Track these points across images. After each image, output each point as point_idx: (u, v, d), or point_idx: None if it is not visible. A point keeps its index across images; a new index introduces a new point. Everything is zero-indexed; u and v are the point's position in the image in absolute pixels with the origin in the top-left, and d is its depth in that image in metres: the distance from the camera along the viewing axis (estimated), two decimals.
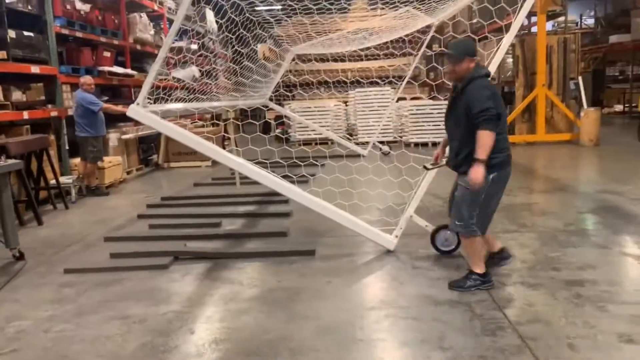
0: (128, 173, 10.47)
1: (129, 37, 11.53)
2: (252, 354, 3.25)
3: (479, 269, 4.05)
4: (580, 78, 13.16)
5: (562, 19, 15.67)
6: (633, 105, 18.65)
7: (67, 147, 8.84)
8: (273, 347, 3.30)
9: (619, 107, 21.24)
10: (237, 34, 6.71)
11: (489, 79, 3.93)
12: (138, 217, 6.94)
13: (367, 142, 11.72)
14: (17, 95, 7.77)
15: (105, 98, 10.20)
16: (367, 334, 3.43)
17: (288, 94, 13.65)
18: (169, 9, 14.33)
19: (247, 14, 6.69)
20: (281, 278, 4.52)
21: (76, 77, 8.88)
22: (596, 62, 21.93)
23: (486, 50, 7.78)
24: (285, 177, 5.12)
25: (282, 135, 15.11)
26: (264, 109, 10.53)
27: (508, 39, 4.81)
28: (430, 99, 14.47)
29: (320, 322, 3.64)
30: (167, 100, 5.97)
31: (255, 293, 4.22)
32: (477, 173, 3.68)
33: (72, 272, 4.88)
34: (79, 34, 9.34)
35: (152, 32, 12.63)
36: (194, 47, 12.78)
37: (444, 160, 4.42)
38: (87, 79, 8.42)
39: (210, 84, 9.16)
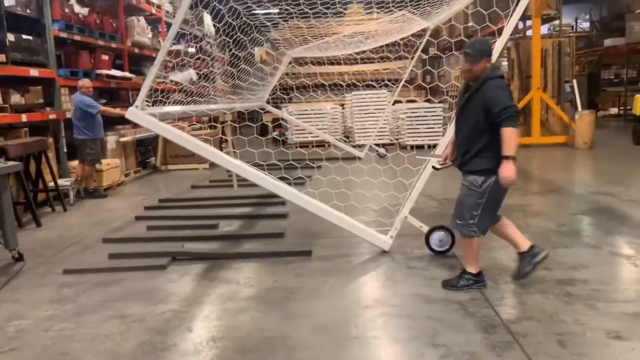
0: (126, 175, 10.53)
1: (126, 40, 11.60)
2: (249, 352, 3.31)
3: (473, 268, 4.11)
4: (575, 81, 13.27)
5: (557, 22, 15.78)
6: (628, 108, 18.76)
7: (65, 150, 8.90)
8: (270, 345, 3.37)
9: (614, 110, 21.37)
10: (235, 37, 6.79)
11: (503, 80, 3.97)
12: (136, 219, 7.00)
13: (364, 145, 11.80)
14: (15, 98, 7.83)
15: (103, 101, 10.27)
16: (361, 332, 3.50)
17: (285, 96, 13.73)
18: (167, 12, 14.42)
19: (244, 18, 6.76)
20: (278, 278, 4.59)
21: (74, 80, 8.94)
22: (591, 65, 22.06)
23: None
24: (282, 178, 5.18)
25: (279, 138, 15.19)
26: (261, 111, 10.61)
27: (501, 42, 4.90)
28: (425, 101, 14.57)
29: (316, 320, 3.71)
30: (165, 103, 6.04)
31: (252, 293, 4.29)
32: (509, 171, 3.70)
33: (71, 272, 4.94)
34: (77, 37, 9.41)
35: (149, 35, 12.69)
36: (192, 50, 12.87)
37: (452, 161, 4.41)
38: (85, 82, 8.49)
39: (208, 86, 9.23)
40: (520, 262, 4.13)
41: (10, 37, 7.66)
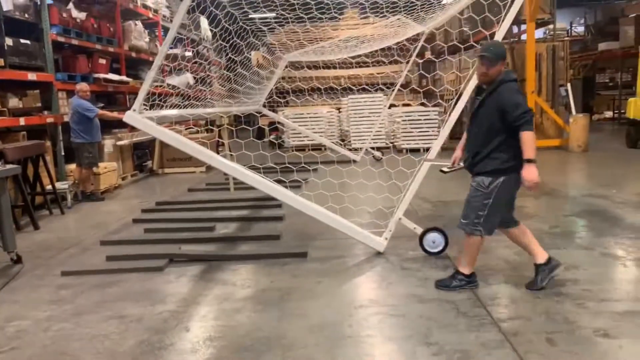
0: (123, 179, 10.58)
1: (124, 44, 11.67)
2: (246, 351, 3.37)
3: (467, 269, 4.16)
4: (569, 85, 13.39)
5: (552, 26, 15.91)
6: (622, 111, 18.91)
7: (62, 153, 8.96)
8: (266, 344, 3.43)
9: (608, 114, 21.53)
10: (231, 42, 6.86)
11: (517, 83, 4.01)
12: (133, 221, 7.05)
13: (360, 148, 11.89)
14: (13, 102, 7.89)
15: (101, 105, 10.33)
16: (355, 331, 3.56)
17: (281, 100, 13.81)
18: (164, 16, 14.49)
19: (240, 23, 6.84)
20: (274, 279, 4.65)
21: (72, 84, 9.01)
22: (586, 69, 22.22)
23: (471, 58, 7.95)
24: (278, 181, 5.25)
25: (275, 141, 15.26)
26: (258, 115, 10.68)
27: None
28: (419, 105, 14.68)
29: (311, 320, 3.77)
30: (163, 106, 6.10)
31: (249, 293, 4.35)
32: (532, 173, 3.74)
33: (69, 274, 4.99)
34: (74, 42, 9.48)
35: (147, 39, 12.77)
36: (189, 54, 12.94)
37: (462, 164, 4.42)
38: (82, 86, 8.55)
39: (205, 90, 9.31)
40: (536, 275, 4.12)
41: (9, 41, 7.73)
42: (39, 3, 8.55)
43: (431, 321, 3.63)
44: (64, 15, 9.26)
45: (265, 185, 5.01)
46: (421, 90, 10.97)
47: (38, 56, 8.45)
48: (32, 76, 8.11)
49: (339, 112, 15.04)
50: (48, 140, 8.57)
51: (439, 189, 8.25)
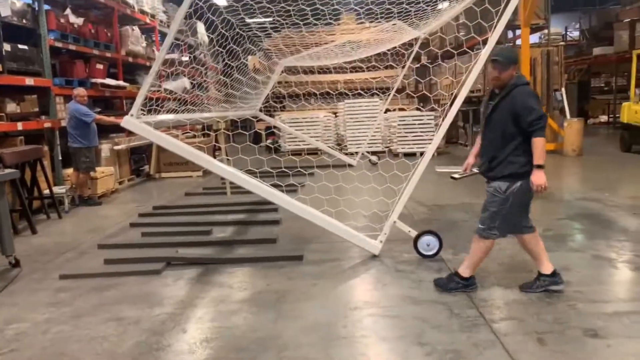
0: (120, 183, 10.62)
1: (121, 49, 11.73)
2: (242, 351, 3.43)
3: (467, 273, 4.17)
4: (563, 89, 13.50)
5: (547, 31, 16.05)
6: (617, 115, 19.04)
7: (60, 158, 9.01)
8: (261, 344, 3.49)
9: (604, 118, 21.68)
10: (228, 48, 6.94)
11: (530, 86, 4.04)
12: (130, 225, 7.10)
13: (356, 152, 11.97)
14: (11, 107, 7.95)
15: (98, 109, 10.39)
16: (350, 331, 3.63)
17: (277, 105, 13.89)
18: (161, 21, 14.56)
19: (237, 29, 6.91)
20: (270, 281, 4.71)
21: (69, 89, 9.06)
22: (581, 73, 22.37)
23: (464, 64, 8.05)
24: (274, 186, 5.31)
25: (271, 146, 15.33)
26: (254, 119, 10.75)
27: (486, 53, 5.05)
28: (415, 109, 14.78)
29: (307, 321, 3.83)
30: (160, 111, 6.16)
31: (245, 295, 4.41)
32: (540, 178, 3.81)
33: (67, 277, 5.04)
34: (72, 47, 9.54)
35: (144, 44, 12.84)
36: (185, 58, 13.01)
37: (475, 169, 4.45)
38: (80, 91, 8.60)
39: (202, 95, 9.37)
40: (536, 280, 4.16)
41: (7, 46, 7.79)
42: (36, 9, 8.62)
43: (424, 322, 3.70)
44: (62, 20, 9.32)
45: (262, 189, 5.07)
46: (415, 96, 11.05)
47: (36, 61, 8.51)
48: (29, 81, 8.16)
49: (336, 116, 15.13)
50: (45, 145, 8.62)
51: (435, 192, 8.33)
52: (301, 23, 6.78)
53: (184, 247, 5.90)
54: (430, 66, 10.85)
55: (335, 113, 15.31)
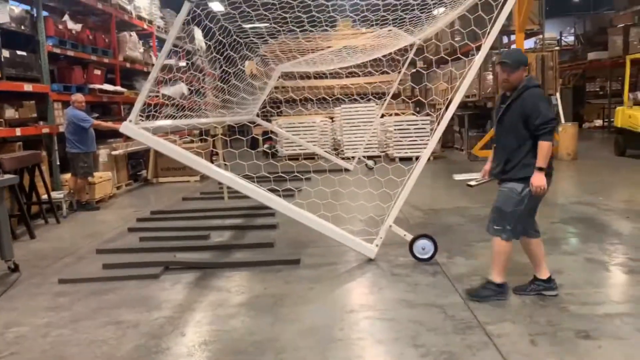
0: (118, 188, 10.67)
1: (119, 55, 11.80)
2: (240, 354, 3.48)
3: (499, 278, 4.11)
4: (557, 94, 13.60)
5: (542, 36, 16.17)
6: (612, 120, 19.17)
7: (58, 163, 9.05)
8: (259, 347, 3.54)
9: (598, 122, 21.81)
10: (225, 55, 7.00)
11: (541, 89, 4.07)
12: (128, 230, 7.15)
13: (353, 157, 12.04)
14: (10, 113, 7.99)
15: (96, 115, 10.43)
16: (346, 334, 3.68)
17: (274, 110, 13.96)
18: (158, 27, 14.64)
19: (234, 36, 6.98)
20: (267, 285, 4.76)
21: (67, 94, 9.11)
22: (576, 78, 22.52)
23: (458, 69, 8.13)
24: (271, 190, 5.37)
25: (269, 151, 15.41)
26: (251, 125, 10.81)
27: (480, 58, 5.14)
28: (410, 114, 14.87)
29: (304, 324, 3.89)
30: (158, 117, 6.22)
31: (243, 299, 4.46)
32: (541, 180, 3.84)
33: (66, 282, 5.08)
34: (70, 53, 9.60)
35: (141, 50, 12.91)
36: (183, 64, 13.08)
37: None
38: (78, 97, 8.65)
39: (199, 101, 9.43)
40: (530, 283, 4.20)
41: (5, 53, 7.85)
42: (35, 15, 8.68)
43: (419, 324, 3.75)
44: (60, 27, 9.39)
45: (259, 194, 5.13)
46: (410, 102, 11.15)
47: (34, 67, 8.56)
48: (28, 87, 8.22)
49: (332, 121, 15.21)
50: (44, 150, 8.66)
51: (430, 197, 8.40)
52: (297, 30, 6.85)
53: (182, 251, 5.95)
54: (425, 72, 10.95)
55: (331, 118, 15.40)
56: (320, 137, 14.43)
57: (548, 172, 3.96)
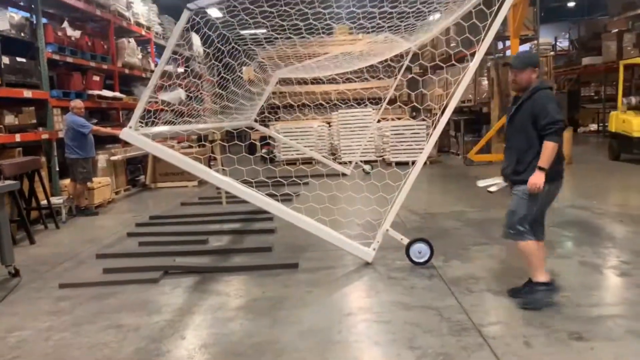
0: (116, 193, 10.71)
1: (117, 61, 11.88)
2: (239, 356, 3.55)
3: (542, 277, 4.06)
4: None
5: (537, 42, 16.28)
6: (606, 124, 19.28)
7: (57, 169, 9.11)
8: (258, 350, 3.61)
9: (593, 127, 21.93)
10: (223, 62, 7.07)
11: (552, 91, 4.10)
12: (128, 235, 7.20)
13: (350, 162, 12.12)
14: (9, 119, 8.06)
15: (95, 121, 10.49)
16: (344, 337, 3.75)
17: (271, 116, 14.05)
18: (156, 33, 14.72)
19: (232, 44, 7.06)
20: (266, 289, 4.82)
21: (67, 101, 9.18)
22: (571, 83, 22.65)
23: (454, 76, 8.23)
24: (269, 195, 5.43)
25: (266, 156, 15.48)
26: (249, 130, 10.88)
27: (474, 65, 5.22)
28: (406, 119, 14.97)
29: (302, 327, 3.95)
30: (156, 123, 6.29)
31: (242, 303, 4.53)
32: (539, 179, 3.85)
33: (67, 286, 5.14)
34: (69, 59, 9.68)
35: (139, 56, 12.99)
36: (181, 70, 13.15)
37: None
38: (77, 103, 8.71)
39: (198, 107, 9.50)
40: (524, 286, 4.21)
41: (5, 59, 7.92)
42: (34, 22, 8.76)
43: (415, 327, 3.82)
44: (59, 33, 9.46)
45: (257, 198, 5.20)
46: (405, 107, 11.25)
47: (34, 74, 8.64)
48: (27, 93, 8.29)
49: (329, 126, 15.30)
50: (43, 156, 8.72)
51: (427, 201, 8.48)
52: (295, 38, 6.93)
53: (181, 256, 6.01)
54: (421, 78, 11.07)
55: (329, 123, 15.49)
56: (317, 142, 14.51)
57: (559, 176, 4.01)
